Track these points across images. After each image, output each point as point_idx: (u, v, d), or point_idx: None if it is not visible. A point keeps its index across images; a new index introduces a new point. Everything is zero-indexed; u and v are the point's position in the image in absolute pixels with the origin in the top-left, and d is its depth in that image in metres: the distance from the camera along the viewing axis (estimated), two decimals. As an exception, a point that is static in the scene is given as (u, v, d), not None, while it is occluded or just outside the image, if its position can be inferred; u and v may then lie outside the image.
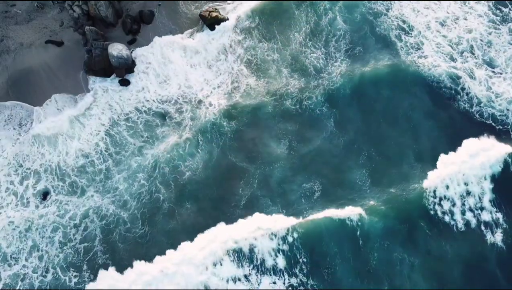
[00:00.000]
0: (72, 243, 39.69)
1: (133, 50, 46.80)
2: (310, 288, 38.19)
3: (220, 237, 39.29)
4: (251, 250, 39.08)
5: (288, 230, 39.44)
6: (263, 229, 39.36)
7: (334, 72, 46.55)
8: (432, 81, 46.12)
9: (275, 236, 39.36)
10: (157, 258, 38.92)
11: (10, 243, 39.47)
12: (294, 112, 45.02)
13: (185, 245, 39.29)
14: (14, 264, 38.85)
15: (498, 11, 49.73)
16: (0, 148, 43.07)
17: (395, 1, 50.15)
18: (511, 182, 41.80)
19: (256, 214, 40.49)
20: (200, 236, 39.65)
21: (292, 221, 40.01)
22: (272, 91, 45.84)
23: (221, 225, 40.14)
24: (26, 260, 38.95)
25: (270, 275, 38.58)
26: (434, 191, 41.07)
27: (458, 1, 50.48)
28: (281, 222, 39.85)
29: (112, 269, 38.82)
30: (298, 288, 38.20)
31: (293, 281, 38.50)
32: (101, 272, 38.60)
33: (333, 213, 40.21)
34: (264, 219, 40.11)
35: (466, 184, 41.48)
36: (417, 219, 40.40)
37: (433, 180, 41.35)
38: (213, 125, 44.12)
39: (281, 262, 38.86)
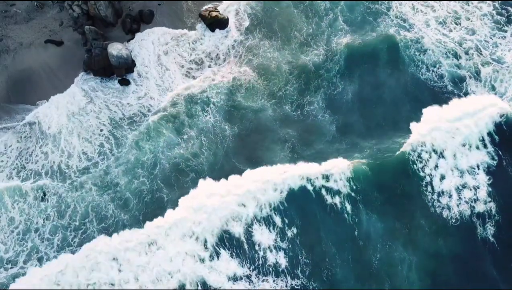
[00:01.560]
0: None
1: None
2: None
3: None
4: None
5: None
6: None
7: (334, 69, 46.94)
8: (433, 81, 46.07)
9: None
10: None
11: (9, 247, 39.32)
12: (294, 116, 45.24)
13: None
14: (11, 267, 38.60)
15: (503, 11, 49.53)
16: (4, 145, 42.94)
17: (396, 1, 50.09)
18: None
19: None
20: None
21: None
22: (274, 91, 45.83)
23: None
24: (25, 263, 38.66)
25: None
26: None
27: (461, 1, 50.26)
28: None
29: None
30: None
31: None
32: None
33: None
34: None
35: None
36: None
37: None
38: (214, 127, 44.02)
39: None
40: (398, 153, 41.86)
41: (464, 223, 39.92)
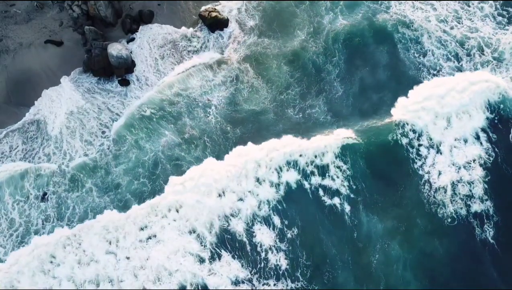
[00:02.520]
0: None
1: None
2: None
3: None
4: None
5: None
6: None
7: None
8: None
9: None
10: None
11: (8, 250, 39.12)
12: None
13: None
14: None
15: (504, 12, 49.42)
16: (9, 147, 42.98)
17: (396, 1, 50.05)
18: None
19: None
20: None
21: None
22: (275, 91, 45.95)
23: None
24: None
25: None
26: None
27: (461, 1, 50.19)
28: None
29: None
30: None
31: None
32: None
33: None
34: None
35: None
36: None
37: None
38: (216, 130, 43.90)
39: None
40: (387, 131, 42.88)
41: (461, 220, 39.94)
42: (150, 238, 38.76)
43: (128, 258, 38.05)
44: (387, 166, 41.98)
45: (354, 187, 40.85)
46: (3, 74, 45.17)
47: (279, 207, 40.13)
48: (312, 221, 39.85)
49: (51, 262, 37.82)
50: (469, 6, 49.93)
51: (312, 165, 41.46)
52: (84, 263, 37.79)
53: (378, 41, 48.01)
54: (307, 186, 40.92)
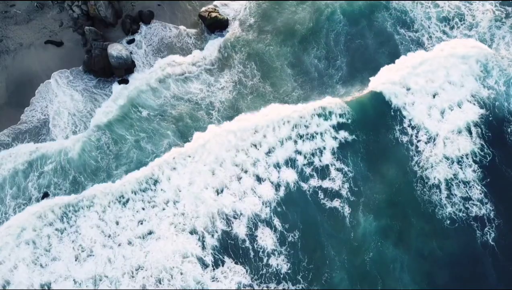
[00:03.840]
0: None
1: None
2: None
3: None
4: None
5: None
6: None
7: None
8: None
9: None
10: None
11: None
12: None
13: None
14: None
15: (503, 9, 49.45)
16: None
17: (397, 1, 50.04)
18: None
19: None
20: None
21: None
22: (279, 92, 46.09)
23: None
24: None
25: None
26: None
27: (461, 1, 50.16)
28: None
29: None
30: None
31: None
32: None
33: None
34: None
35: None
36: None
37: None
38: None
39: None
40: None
41: (461, 221, 40.01)
42: (150, 233, 38.78)
43: (125, 257, 38.05)
44: (384, 163, 42.28)
45: (353, 187, 40.98)
46: (3, 75, 45.28)
47: (279, 209, 40.19)
48: (312, 221, 40.05)
49: (45, 255, 37.99)
50: (471, 4, 49.96)
51: (310, 166, 41.58)
52: (81, 259, 37.87)
53: (378, 42, 48.30)
54: (305, 187, 40.97)
